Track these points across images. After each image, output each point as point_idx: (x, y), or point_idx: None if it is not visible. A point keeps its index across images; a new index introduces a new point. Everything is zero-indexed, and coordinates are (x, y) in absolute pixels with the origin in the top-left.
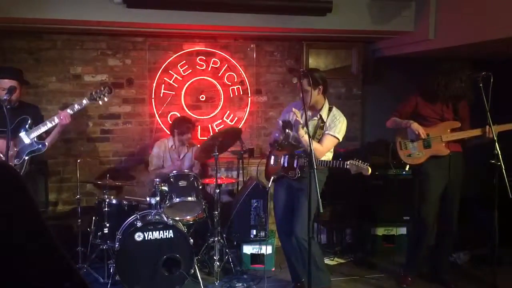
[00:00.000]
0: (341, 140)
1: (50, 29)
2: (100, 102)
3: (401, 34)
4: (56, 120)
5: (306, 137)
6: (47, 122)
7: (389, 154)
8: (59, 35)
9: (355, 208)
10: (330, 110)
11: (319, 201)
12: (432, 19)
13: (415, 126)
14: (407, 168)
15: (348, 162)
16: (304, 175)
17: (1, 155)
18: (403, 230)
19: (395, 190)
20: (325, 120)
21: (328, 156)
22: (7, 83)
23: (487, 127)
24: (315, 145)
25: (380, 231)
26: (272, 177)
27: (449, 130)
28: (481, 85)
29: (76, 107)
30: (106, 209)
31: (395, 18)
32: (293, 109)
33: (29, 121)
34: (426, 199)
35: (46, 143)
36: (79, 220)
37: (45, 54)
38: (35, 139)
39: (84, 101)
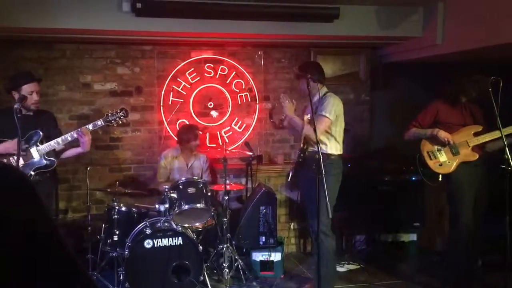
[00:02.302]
0: (331, 118)
1: (60, 39)
2: (115, 125)
3: (409, 40)
4: (71, 137)
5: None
6: (59, 140)
7: (417, 166)
8: (68, 45)
9: (365, 214)
10: (324, 95)
11: (328, 206)
12: (440, 24)
13: (443, 134)
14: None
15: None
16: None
17: (12, 160)
18: (413, 237)
19: (405, 196)
20: (317, 105)
21: (336, 148)
22: (35, 86)
23: None
24: (306, 128)
25: (390, 238)
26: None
27: (472, 134)
28: (490, 89)
29: (91, 127)
30: (116, 216)
31: (403, 24)
32: (281, 95)
33: (41, 136)
34: (465, 206)
35: (55, 160)
36: (89, 228)
37: (55, 63)
38: (45, 156)
39: (99, 123)
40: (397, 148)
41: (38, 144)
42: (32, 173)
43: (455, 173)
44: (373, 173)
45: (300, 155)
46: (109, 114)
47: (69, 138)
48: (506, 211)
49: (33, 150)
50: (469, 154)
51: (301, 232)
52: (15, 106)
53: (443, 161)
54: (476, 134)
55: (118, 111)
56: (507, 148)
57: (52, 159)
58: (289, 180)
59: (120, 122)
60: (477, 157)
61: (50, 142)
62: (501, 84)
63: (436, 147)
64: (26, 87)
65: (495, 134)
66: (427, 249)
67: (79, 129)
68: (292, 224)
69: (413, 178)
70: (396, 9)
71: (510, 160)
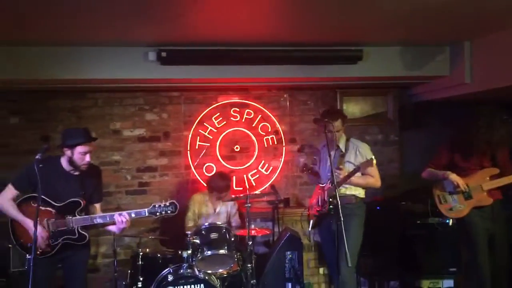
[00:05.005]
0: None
1: (92, 88)
2: (159, 217)
3: (437, 79)
4: (110, 218)
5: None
6: (99, 220)
7: (429, 209)
8: (100, 93)
9: (397, 259)
10: (347, 140)
11: (347, 255)
12: (467, 63)
13: (453, 177)
14: (450, 223)
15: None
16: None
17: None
18: (449, 283)
19: (439, 240)
20: (343, 150)
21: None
22: (89, 147)
23: None
24: (368, 180)
25: (425, 284)
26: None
27: (488, 178)
28: None
29: (133, 215)
30: (140, 263)
31: (429, 63)
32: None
33: (82, 206)
34: (478, 250)
35: (87, 235)
36: (115, 274)
37: (87, 111)
38: (79, 228)
39: (143, 213)
40: (429, 189)
41: (76, 214)
42: (60, 240)
43: (467, 216)
44: (404, 216)
45: (329, 207)
46: (156, 206)
47: (108, 219)
48: None
49: (69, 220)
50: (483, 198)
51: (331, 277)
52: (37, 156)
53: (454, 206)
54: (493, 177)
55: (167, 204)
56: None
57: (84, 233)
58: (309, 229)
59: (165, 216)
60: (491, 202)
61: (89, 217)
62: None
63: (447, 191)
64: (80, 148)
65: None
66: None
67: (122, 215)
68: (322, 269)
69: (447, 221)
70: (421, 49)
71: None
